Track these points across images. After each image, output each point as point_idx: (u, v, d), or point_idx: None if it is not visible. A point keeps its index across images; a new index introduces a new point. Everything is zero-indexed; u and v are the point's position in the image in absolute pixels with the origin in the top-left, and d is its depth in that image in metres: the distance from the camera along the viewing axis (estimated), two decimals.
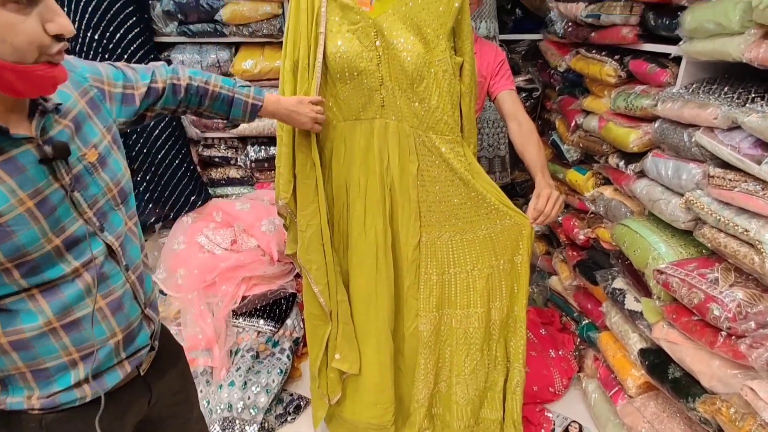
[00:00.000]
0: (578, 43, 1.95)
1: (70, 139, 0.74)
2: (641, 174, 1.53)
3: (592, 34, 1.76)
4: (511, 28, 2.28)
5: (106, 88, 0.86)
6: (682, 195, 1.32)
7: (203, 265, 2.09)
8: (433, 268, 1.40)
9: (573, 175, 1.97)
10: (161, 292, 2.07)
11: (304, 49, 1.26)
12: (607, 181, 1.81)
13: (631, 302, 1.51)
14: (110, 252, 0.79)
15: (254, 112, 1.14)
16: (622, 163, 1.61)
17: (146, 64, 1.00)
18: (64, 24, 0.64)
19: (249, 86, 1.14)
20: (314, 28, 1.25)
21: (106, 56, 2.01)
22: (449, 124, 1.30)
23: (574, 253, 2.04)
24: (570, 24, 1.94)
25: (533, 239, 1.34)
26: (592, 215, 1.88)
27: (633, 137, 1.49)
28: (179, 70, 1.02)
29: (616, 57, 1.66)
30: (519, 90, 1.96)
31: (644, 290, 1.46)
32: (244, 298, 2.04)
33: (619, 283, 1.60)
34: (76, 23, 1.96)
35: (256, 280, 2.09)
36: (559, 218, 2.14)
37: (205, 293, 2.05)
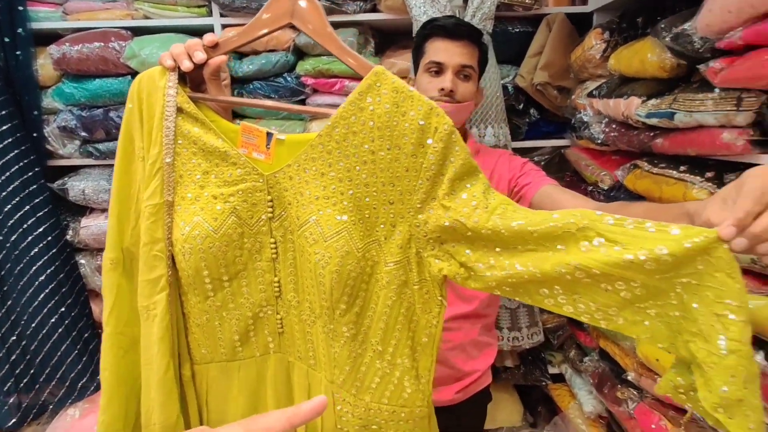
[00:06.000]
0: (630, 152, 1.37)
1: None
2: None
3: (658, 140, 1.17)
4: (525, 133, 1.72)
5: None
6: None
7: None
8: None
9: (647, 349, 1.26)
10: None
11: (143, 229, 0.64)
12: None
13: None
14: None
15: None
16: (759, 357, 0.91)
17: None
18: None
19: None
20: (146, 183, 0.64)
21: None
22: (404, 390, 0.65)
23: None
24: (614, 126, 1.37)
25: None
26: (693, 421, 1.15)
27: None
28: None
29: (709, 174, 1.05)
30: None
31: None
32: None
33: None
34: None
35: None
36: (631, 407, 1.39)
37: None
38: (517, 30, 1.63)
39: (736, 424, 0.46)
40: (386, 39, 1.81)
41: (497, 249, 0.57)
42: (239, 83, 1.73)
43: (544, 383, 1.86)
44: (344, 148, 0.60)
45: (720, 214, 0.48)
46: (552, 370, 1.87)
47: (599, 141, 1.44)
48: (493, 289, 0.58)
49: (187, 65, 0.64)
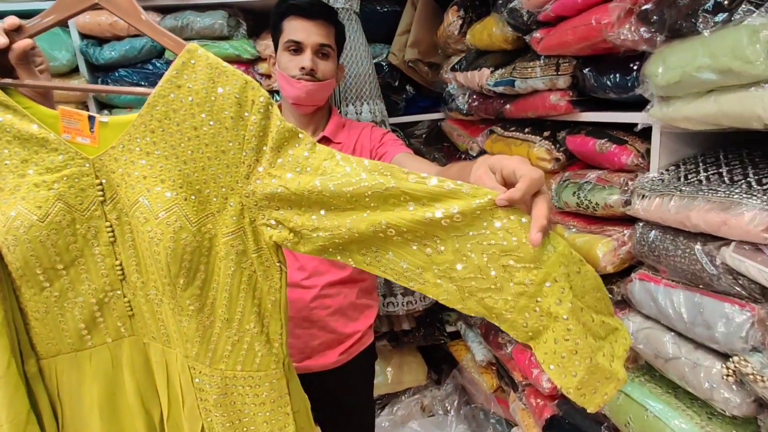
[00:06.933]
0: (490, 120, 1.49)
1: None
2: (625, 304, 0.99)
3: (507, 106, 1.29)
4: (403, 109, 1.80)
5: None
6: (715, 351, 0.78)
7: None
8: None
9: None
10: None
11: None
12: None
13: None
14: None
15: None
16: None
17: None
18: None
19: None
20: None
21: None
22: (255, 356, 0.68)
23: (540, 401, 1.43)
24: (475, 97, 1.48)
25: None
26: None
27: (603, 251, 0.96)
28: None
29: (546, 134, 1.18)
30: None
31: None
32: None
33: None
34: None
35: None
36: (509, 350, 1.54)
37: None
38: (386, 9, 1.69)
39: (541, 349, 0.55)
40: (261, 22, 1.78)
41: (321, 211, 0.61)
42: (102, 71, 1.62)
43: (443, 342, 1.99)
44: (166, 126, 0.61)
45: (491, 182, 0.54)
46: (450, 329, 2.01)
47: (465, 111, 1.55)
48: (322, 251, 0.62)
49: None
